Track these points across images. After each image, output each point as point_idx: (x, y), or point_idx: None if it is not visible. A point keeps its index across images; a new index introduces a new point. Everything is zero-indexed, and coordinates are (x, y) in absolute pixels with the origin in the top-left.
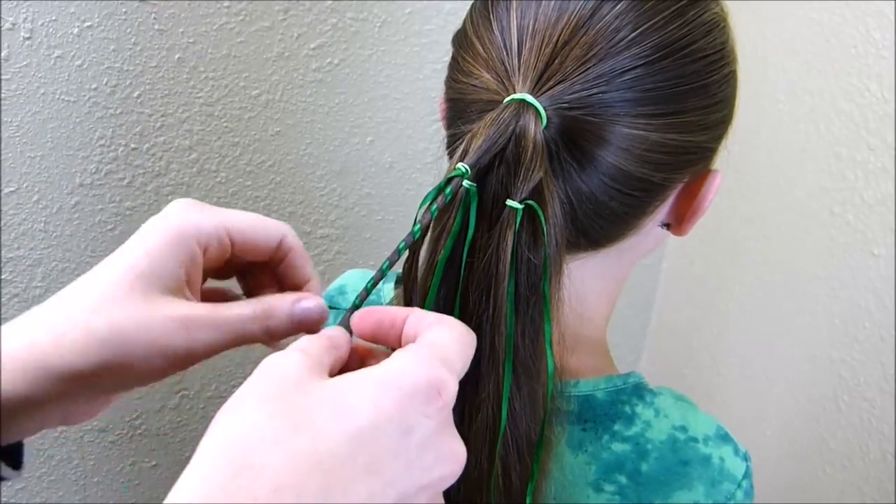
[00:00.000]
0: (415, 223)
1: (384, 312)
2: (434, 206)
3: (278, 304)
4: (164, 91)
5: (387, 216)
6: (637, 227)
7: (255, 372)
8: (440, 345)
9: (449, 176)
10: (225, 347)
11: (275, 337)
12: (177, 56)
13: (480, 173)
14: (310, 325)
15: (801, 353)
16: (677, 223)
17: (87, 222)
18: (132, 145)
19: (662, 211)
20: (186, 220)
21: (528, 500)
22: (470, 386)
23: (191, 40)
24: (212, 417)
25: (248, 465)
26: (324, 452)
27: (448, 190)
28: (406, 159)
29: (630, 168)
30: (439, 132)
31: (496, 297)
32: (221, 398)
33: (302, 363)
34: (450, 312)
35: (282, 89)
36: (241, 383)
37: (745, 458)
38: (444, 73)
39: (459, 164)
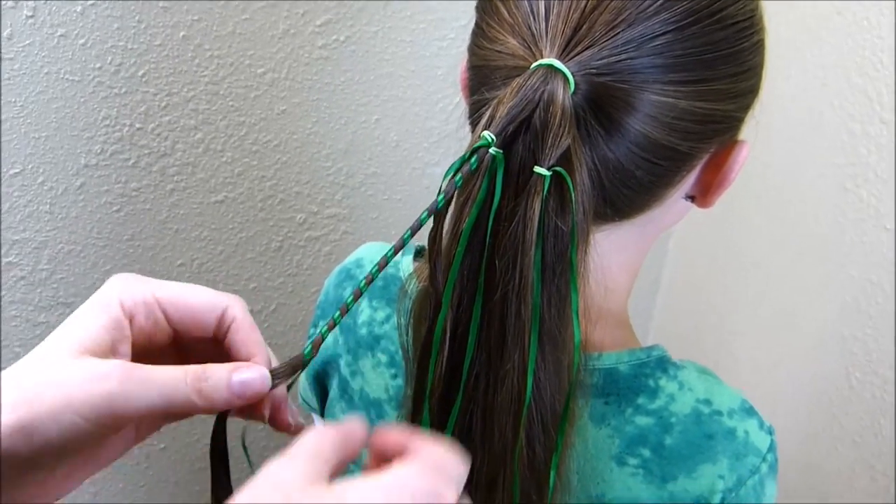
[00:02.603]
0: (439, 192)
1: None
2: (459, 176)
3: (215, 371)
4: (168, 70)
5: (393, 195)
6: (662, 197)
7: (257, 478)
8: (440, 459)
9: (474, 146)
10: (159, 411)
11: (213, 405)
12: (181, 34)
13: (507, 140)
14: (251, 397)
15: (813, 330)
16: (702, 195)
17: (93, 204)
18: (137, 125)
19: (688, 182)
20: (114, 288)
21: (552, 473)
22: (495, 357)
23: (195, 17)
24: None
25: None
26: None
27: (473, 159)
28: (412, 138)
29: (657, 136)
30: (445, 110)
31: (523, 266)
32: None
33: (306, 471)
34: (474, 282)
35: (287, 67)
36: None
37: (770, 431)
38: (450, 51)
39: (485, 133)
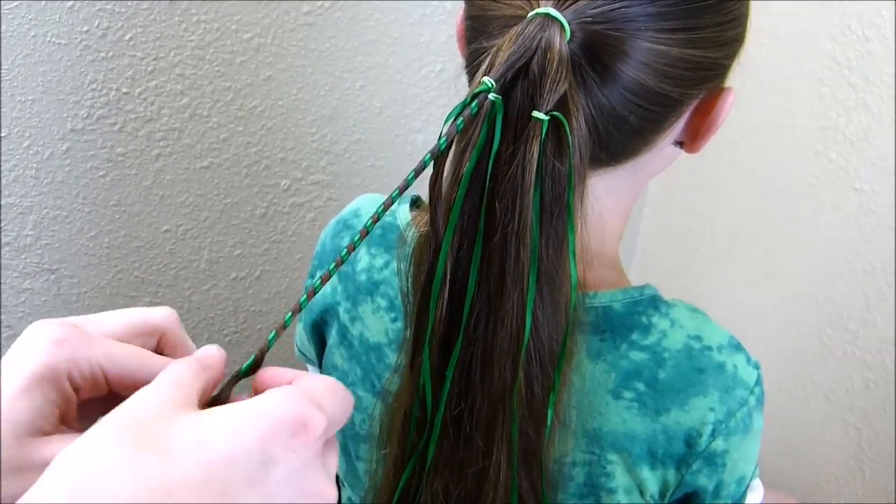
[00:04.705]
0: (440, 137)
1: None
2: (460, 120)
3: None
4: (155, 34)
5: (377, 162)
6: (653, 142)
7: (121, 406)
8: (313, 388)
9: (475, 91)
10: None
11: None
12: None
13: (505, 86)
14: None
15: (786, 292)
16: (691, 140)
17: (79, 168)
18: (124, 90)
19: (677, 128)
20: (46, 362)
21: (549, 411)
22: (495, 298)
23: None
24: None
25: (87, 485)
26: (174, 477)
27: (474, 104)
28: (395, 104)
29: (650, 83)
30: (427, 78)
31: (522, 208)
32: None
33: (168, 396)
34: (475, 225)
35: (273, 33)
36: (234, 333)
37: (756, 366)
38: (433, 18)
39: (484, 79)
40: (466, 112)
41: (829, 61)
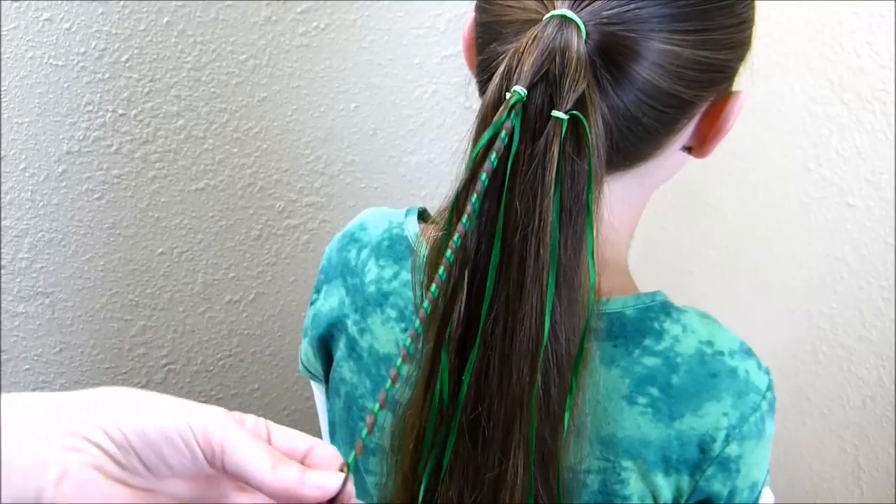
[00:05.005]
0: (491, 151)
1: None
2: (503, 134)
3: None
4: (152, 55)
5: (371, 184)
6: (664, 145)
7: None
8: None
9: (511, 102)
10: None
11: None
12: (165, 19)
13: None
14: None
15: (780, 309)
16: (700, 145)
17: (75, 191)
18: (120, 111)
19: (687, 131)
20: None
21: (566, 415)
22: (514, 300)
23: (179, 3)
24: (198, 392)
25: None
26: None
27: (513, 115)
28: (389, 126)
29: (663, 84)
30: (421, 99)
31: (542, 209)
32: (208, 371)
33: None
34: (492, 227)
35: (269, 54)
36: (228, 357)
37: (767, 372)
38: (426, 39)
39: (517, 89)
40: (508, 125)
41: (822, 79)
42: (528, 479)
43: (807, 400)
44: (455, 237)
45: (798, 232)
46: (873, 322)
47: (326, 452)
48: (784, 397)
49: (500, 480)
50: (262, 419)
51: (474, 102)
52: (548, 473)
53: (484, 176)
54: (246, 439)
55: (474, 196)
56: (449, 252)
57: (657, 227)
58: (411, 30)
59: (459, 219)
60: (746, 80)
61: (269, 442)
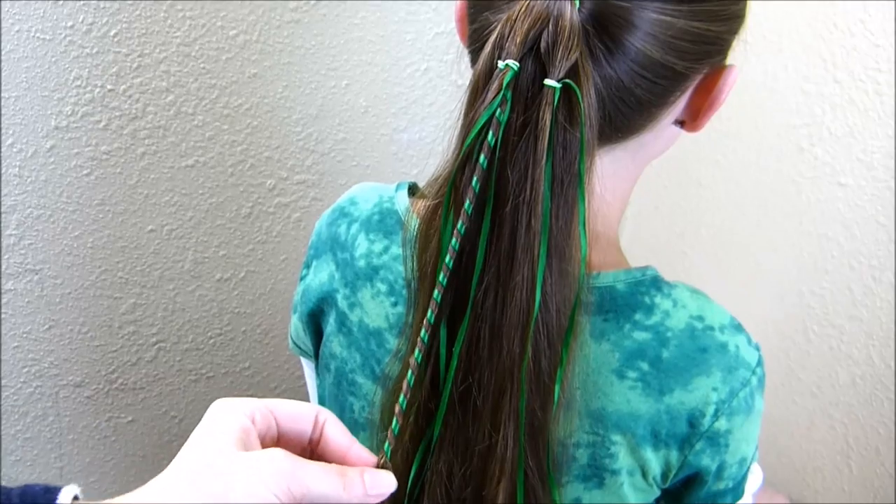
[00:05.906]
0: (487, 129)
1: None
2: (499, 112)
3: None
4: (141, 30)
5: (362, 161)
6: (657, 117)
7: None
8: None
9: (507, 80)
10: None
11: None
12: None
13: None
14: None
15: (771, 289)
16: (692, 119)
17: (63, 167)
18: (108, 86)
19: (680, 105)
20: (229, 403)
21: (556, 387)
22: (504, 270)
23: None
24: (189, 370)
25: None
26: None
27: (509, 94)
28: (380, 103)
29: (656, 54)
30: (412, 77)
31: (534, 178)
32: (198, 350)
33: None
34: (485, 195)
35: (259, 29)
36: (218, 336)
37: (757, 348)
38: (418, 16)
39: (510, 63)
40: (504, 105)
41: (815, 58)
42: (517, 452)
43: (797, 379)
44: (460, 224)
45: (790, 211)
46: (864, 301)
47: (363, 455)
48: (774, 376)
49: (490, 453)
50: (263, 406)
51: (466, 80)
52: (537, 446)
53: (483, 158)
54: (319, 472)
55: (474, 179)
56: (454, 240)
57: (650, 206)
58: (403, 6)
59: (458, 199)
60: (740, 59)
61: (275, 420)
